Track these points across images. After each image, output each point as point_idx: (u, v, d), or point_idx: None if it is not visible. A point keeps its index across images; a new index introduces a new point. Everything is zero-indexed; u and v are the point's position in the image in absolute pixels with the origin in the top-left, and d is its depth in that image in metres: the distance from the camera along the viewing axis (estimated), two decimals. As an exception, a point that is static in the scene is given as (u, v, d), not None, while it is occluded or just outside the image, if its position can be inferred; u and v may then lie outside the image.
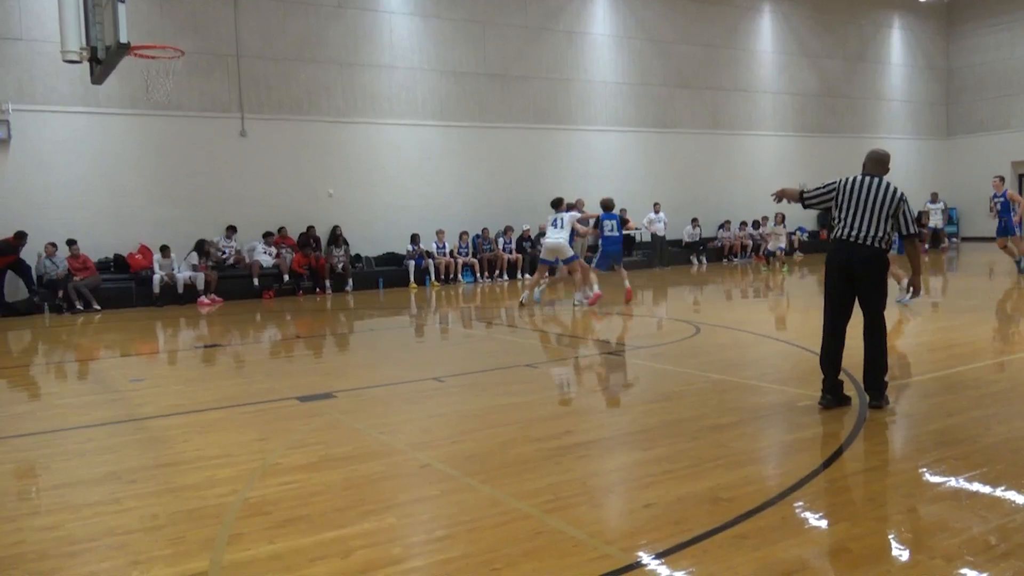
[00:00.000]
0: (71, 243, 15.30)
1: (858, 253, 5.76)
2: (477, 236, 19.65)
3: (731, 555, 3.45)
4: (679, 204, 22.65)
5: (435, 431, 5.87)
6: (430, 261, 18.73)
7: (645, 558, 3.44)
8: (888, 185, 5.85)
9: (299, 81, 18.04)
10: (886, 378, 5.90)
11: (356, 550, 3.63)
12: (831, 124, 26.95)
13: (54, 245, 15.12)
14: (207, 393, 7.46)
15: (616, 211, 13.77)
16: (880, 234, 5.75)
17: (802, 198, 6.28)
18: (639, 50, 22.79)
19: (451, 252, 19.16)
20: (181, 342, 11.74)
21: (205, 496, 4.44)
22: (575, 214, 13.63)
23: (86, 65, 10.36)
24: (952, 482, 4.26)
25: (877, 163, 6.04)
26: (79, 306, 14.99)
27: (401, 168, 19.21)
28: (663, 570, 3.33)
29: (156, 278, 15.73)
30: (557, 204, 13.83)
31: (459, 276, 19.11)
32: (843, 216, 5.86)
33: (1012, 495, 4.03)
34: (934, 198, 25.26)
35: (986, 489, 4.13)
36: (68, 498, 4.50)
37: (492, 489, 4.42)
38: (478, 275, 19.27)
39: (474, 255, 19.47)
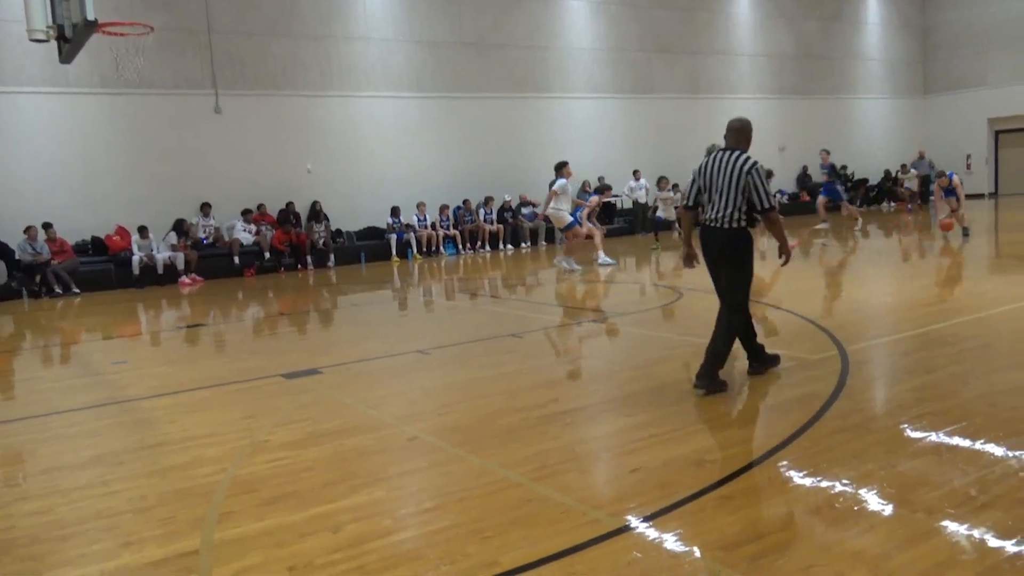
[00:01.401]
0: (47, 226, 15.11)
1: (712, 236, 5.51)
2: (458, 208, 19.59)
3: (717, 516, 3.50)
4: (659, 170, 22.60)
5: (422, 403, 5.89)
6: (411, 234, 18.66)
7: (633, 522, 3.49)
8: (737, 158, 5.44)
9: (273, 56, 17.79)
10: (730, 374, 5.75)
11: (346, 524, 3.65)
12: (809, 85, 26.95)
13: (35, 229, 14.93)
14: (192, 373, 7.43)
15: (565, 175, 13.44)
16: (732, 213, 5.41)
17: (684, 206, 6.00)
18: (615, 15, 22.62)
19: (432, 224, 19.09)
20: (163, 323, 11.67)
21: (193, 476, 4.44)
22: (561, 181, 13.36)
23: (54, 44, 10.17)
24: (932, 437, 4.33)
25: (732, 134, 5.64)
26: (58, 290, 14.86)
27: (379, 141, 19.06)
28: (651, 533, 3.38)
29: (135, 259, 15.59)
30: (556, 169, 13.60)
31: (441, 248, 19.07)
32: (704, 199, 5.60)
33: (991, 448, 4.11)
34: (903, 169, 25.54)
35: (966, 443, 4.21)
36: (56, 482, 4.49)
37: (480, 459, 4.45)
38: (460, 247, 19.23)
39: (455, 227, 19.41)
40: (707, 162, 5.57)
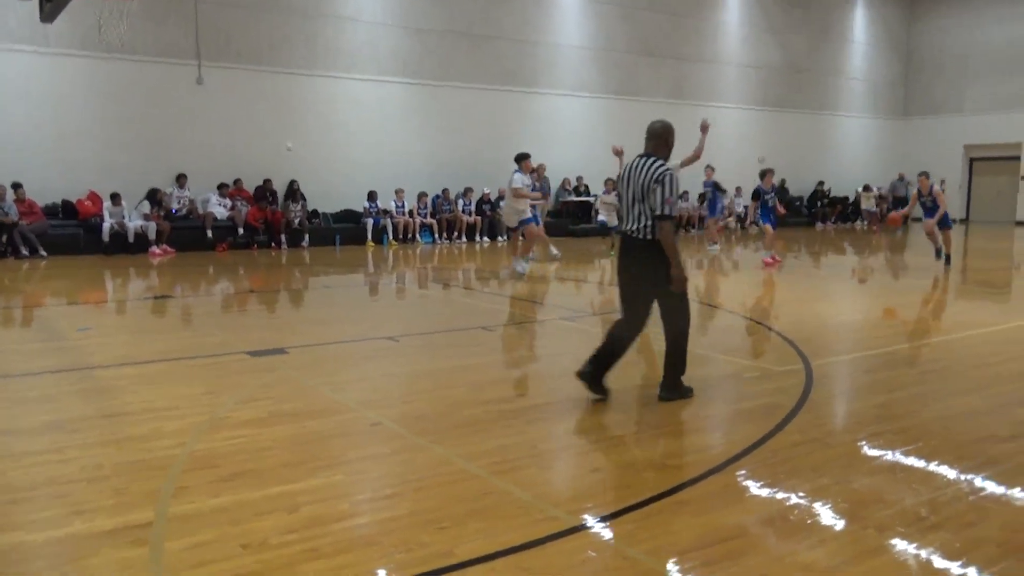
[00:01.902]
0: (16, 186, 14.84)
1: (627, 246, 5.26)
2: (437, 197, 19.52)
3: (673, 520, 3.53)
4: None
5: (387, 390, 5.87)
6: (388, 220, 18.57)
7: (590, 521, 3.51)
8: (649, 163, 5.18)
9: (260, 30, 17.59)
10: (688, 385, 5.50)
11: (303, 505, 3.63)
12: (792, 99, 27.19)
13: (3, 188, 14.65)
14: (156, 344, 7.35)
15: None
16: (646, 222, 5.14)
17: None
18: (605, 15, 22.65)
19: (410, 212, 19.01)
20: (131, 292, 11.52)
21: (151, 448, 4.39)
22: (517, 176, 12.19)
23: (36, 2, 9.97)
24: (889, 455, 4.40)
25: (651, 139, 5.35)
26: (24, 252, 14.60)
27: (362, 124, 18.93)
28: (606, 533, 3.40)
29: (106, 226, 15.36)
30: (516, 161, 12.40)
31: (417, 236, 19.01)
32: (622, 208, 5.33)
33: (944, 469, 4.18)
34: (867, 187, 25.85)
35: (920, 463, 4.28)
36: (9, 446, 4.42)
37: (441, 449, 4.45)
38: (436, 236, 19.18)
39: (433, 216, 19.35)
40: (626, 168, 5.33)
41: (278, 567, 3.06)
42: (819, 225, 26.15)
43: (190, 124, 16.91)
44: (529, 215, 12.49)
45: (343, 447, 4.52)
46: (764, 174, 15.16)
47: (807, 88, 27.64)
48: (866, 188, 26.42)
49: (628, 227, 5.25)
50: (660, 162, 5.17)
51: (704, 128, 8.93)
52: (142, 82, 16.35)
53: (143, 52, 16.23)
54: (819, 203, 26.94)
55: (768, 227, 14.88)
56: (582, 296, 11.38)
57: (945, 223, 14.00)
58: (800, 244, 19.93)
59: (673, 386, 5.41)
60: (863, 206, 25.71)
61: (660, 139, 5.33)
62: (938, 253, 14.06)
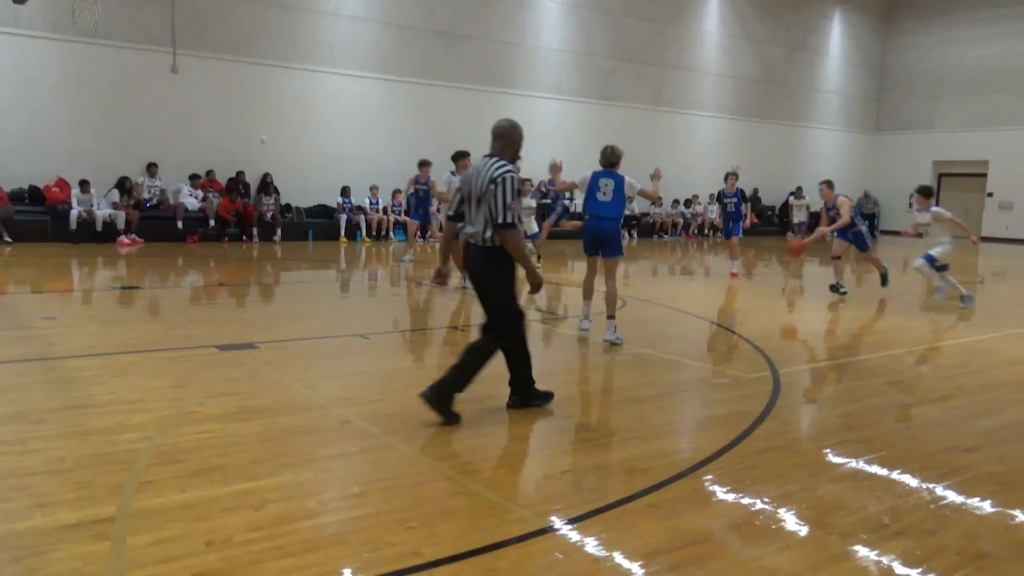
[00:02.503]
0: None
1: (469, 254, 5.01)
2: (412, 195, 19.43)
3: (641, 523, 3.55)
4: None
5: (358, 388, 5.84)
6: (361, 216, 18.48)
7: (558, 523, 3.51)
8: (490, 164, 4.87)
9: (237, 19, 17.42)
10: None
11: (270, 503, 3.60)
12: (768, 110, 27.49)
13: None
14: (123, 336, 7.24)
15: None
16: (486, 230, 4.85)
17: (446, 216, 5.37)
18: (586, 19, 22.73)
19: (384, 209, 18.93)
20: (98, 282, 11.35)
21: (116, 441, 4.33)
22: (450, 177, 11.57)
23: (8, -17, 9.80)
24: (853, 464, 4.46)
25: (496, 139, 5.05)
26: (-11, 237, 14.33)
27: (338, 119, 18.81)
28: (574, 535, 3.41)
29: (74, 213, 15.12)
30: (453, 159, 11.09)
31: (391, 234, 18.92)
32: (466, 211, 5.05)
33: (906, 478, 4.25)
34: (799, 192, 24.20)
35: (883, 472, 4.34)
36: (-31, 436, 4.33)
37: (411, 449, 4.44)
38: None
39: (407, 213, 19.26)
40: (471, 169, 5.03)
41: (243, 564, 3.03)
42: (790, 235, 26.43)
43: (163, 112, 16.69)
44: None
45: (312, 444, 4.49)
46: (727, 177, 14.29)
47: (783, 100, 27.96)
48: (797, 193, 23.46)
49: (471, 231, 4.95)
50: (502, 163, 4.87)
51: (656, 176, 8.72)
52: (116, 68, 16.11)
53: (118, 37, 15.99)
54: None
55: (734, 239, 14.12)
56: (554, 298, 11.39)
57: (861, 244, 11.93)
58: (771, 253, 20.13)
59: (526, 391, 5.19)
60: (794, 218, 22.53)
61: (506, 139, 5.03)
62: (883, 279, 12.21)
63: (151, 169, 16.46)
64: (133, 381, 5.62)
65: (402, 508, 3.60)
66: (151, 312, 8.92)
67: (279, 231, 17.48)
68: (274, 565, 3.04)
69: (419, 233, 16.97)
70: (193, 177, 16.88)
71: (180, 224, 16.23)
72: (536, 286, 5.01)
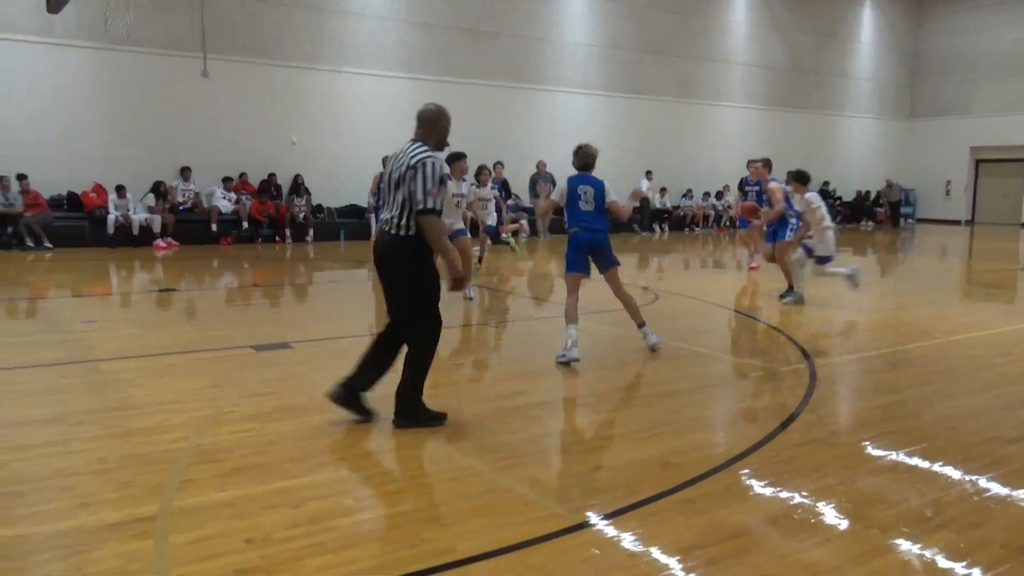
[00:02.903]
0: (21, 178, 14.84)
1: (381, 240, 4.72)
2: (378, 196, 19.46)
3: (677, 518, 3.53)
4: (643, 172, 22.73)
5: (390, 386, 5.86)
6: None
7: (593, 518, 3.51)
8: (411, 149, 4.66)
9: (265, 23, 17.58)
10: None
11: (307, 500, 3.64)
12: (797, 99, 27.13)
13: (8, 179, 14.66)
14: (160, 338, 7.35)
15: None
16: (399, 214, 4.56)
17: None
18: (612, 13, 22.60)
19: (414, 207, 18.97)
20: (135, 285, 11.54)
21: (156, 441, 4.40)
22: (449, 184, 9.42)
23: (42, -7, 9.98)
24: (893, 456, 4.40)
25: (421, 124, 4.84)
26: (29, 243, 14.62)
27: (366, 119, 18.91)
28: (610, 531, 3.40)
29: (111, 218, 15.38)
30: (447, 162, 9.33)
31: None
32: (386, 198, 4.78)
33: (948, 470, 4.18)
34: (648, 175, 22.31)
35: (924, 464, 4.27)
36: (14, 438, 4.43)
37: (445, 446, 4.45)
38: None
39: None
40: (393, 155, 4.81)
41: (283, 562, 3.07)
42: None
43: (195, 117, 16.90)
44: (460, 226, 9.51)
45: (347, 442, 4.52)
46: (749, 164, 12.79)
47: (813, 88, 27.58)
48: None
49: (384, 217, 4.69)
50: (423, 148, 4.65)
51: (635, 196, 7.76)
52: (148, 74, 16.34)
53: (149, 44, 16.22)
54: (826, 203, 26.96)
55: (745, 229, 13.28)
56: (585, 294, 11.35)
57: (781, 231, 10.24)
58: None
59: (409, 411, 4.73)
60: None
61: (430, 124, 4.80)
62: (789, 290, 9.90)
63: (184, 173, 16.69)
64: (171, 382, 5.70)
65: (437, 504, 3.62)
66: (187, 314, 9.04)
67: (311, 231, 17.63)
68: (313, 562, 3.07)
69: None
70: (226, 180, 17.08)
71: (214, 227, 16.43)
72: (458, 281, 4.77)
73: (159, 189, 16.03)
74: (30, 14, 14.76)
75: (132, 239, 15.45)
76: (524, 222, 18.38)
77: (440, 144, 4.86)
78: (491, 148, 20.29)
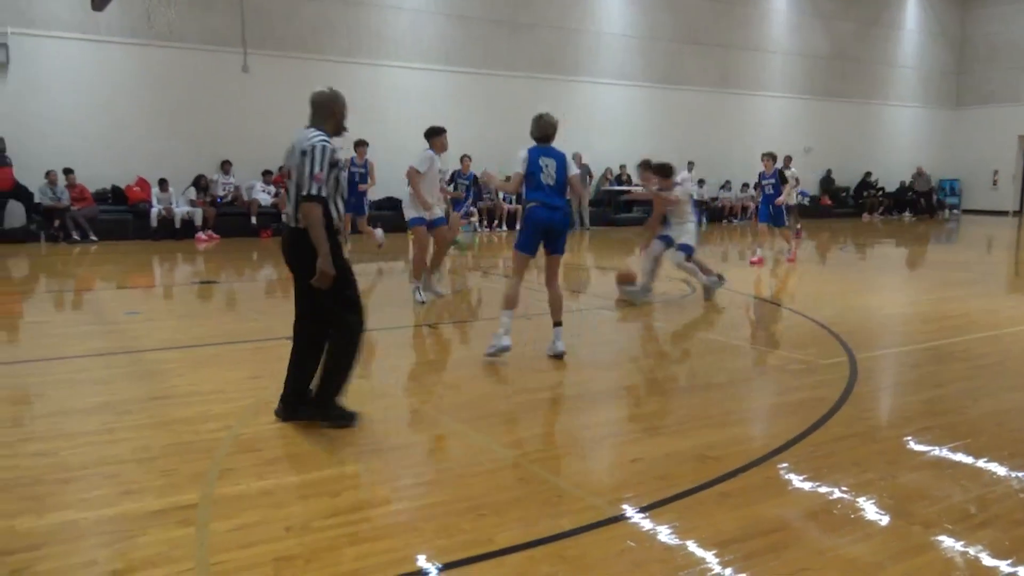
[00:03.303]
0: (68, 172, 15.18)
1: (284, 236, 4.61)
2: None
3: (714, 512, 3.51)
4: (681, 163, 22.49)
5: (426, 378, 5.91)
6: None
7: (629, 511, 3.50)
8: (304, 136, 4.48)
9: (303, 17, 17.73)
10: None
11: (345, 490, 3.68)
12: (840, 88, 26.64)
13: (56, 173, 15.01)
14: (202, 329, 7.48)
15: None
16: (298, 208, 4.37)
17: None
18: (649, 2, 22.39)
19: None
20: (178, 277, 11.74)
21: (198, 430, 4.48)
22: (428, 154, 8.71)
23: (87, -9, 10.16)
24: (936, 451, 4.31)
25: (313, 109, 4.68)
26: (76, 236, 14.95)
27: (404, 112, 18.97)
28: (647, 524, 3.39)
29: (154, 211, 15.66)
30: (427, 136, 8.90)
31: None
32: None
33: (994, 466, 4.09)
34: (690, 166, 20.64)
35: (968, 459, 4.19)
36: (61, 426, 4.54)
37: (481, 437, 4.47)
38: (477, 225, 19.20)
39: (473, 204, 19.36)
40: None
41: (321, 550, 3.11)
42: (865, 216, 25.68)
43: (235, 111, 17.11)
44: (439, 213, 9.04)
45: (384, 433, 4.56)
46: (763, 157, 13.11)
47: (856, 77, 27.06)
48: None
49: (287, 210, 4.54)
50: (317, 133, 4.46)
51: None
52: (189, 69, 16.58)
53: (190, 40, 16.45)
54: (865, 193, 26.47)
55: (765, 225, 13.18)
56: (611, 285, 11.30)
57: (778, 219, 12.45)
58: (846, 236, 19.59)
59: (325, 405, 4.54)
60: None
61: (325, 110, 4.60)
62: (711, 287, 9.26)
63: (225, 167, 16.93)
64: (212, 372, 5.80)
65: (473, 496, 3.63)
66: (228, 305, 9.18)
67: (350, 224, 17.75)
68: (350, 551, 3.10)
69: (353, 226, 13.75)
70: (265, 173, 17.28)
71: (254, 219, 16.64)
72: (324, 276, 4.29)
73: (200, 183, 16.29)
74: (75, 12, 15.05)
75: (174, 232, 15.72)
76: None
77: (338, 129, 4.65)
78: (527, 140, 20.25)
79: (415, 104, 19.09)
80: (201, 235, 15.87)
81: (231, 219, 16.55)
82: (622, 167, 21.69)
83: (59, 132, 15.48)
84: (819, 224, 22.26)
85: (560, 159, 6.18)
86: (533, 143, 6.34)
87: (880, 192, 26.64)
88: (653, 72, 22.66)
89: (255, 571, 2.94)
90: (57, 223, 14.92)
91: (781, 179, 12.74)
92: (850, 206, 26.30)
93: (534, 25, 20.61)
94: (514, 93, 20.27)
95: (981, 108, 29.03)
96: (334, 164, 4.40)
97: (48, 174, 14.90)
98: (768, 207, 12.92)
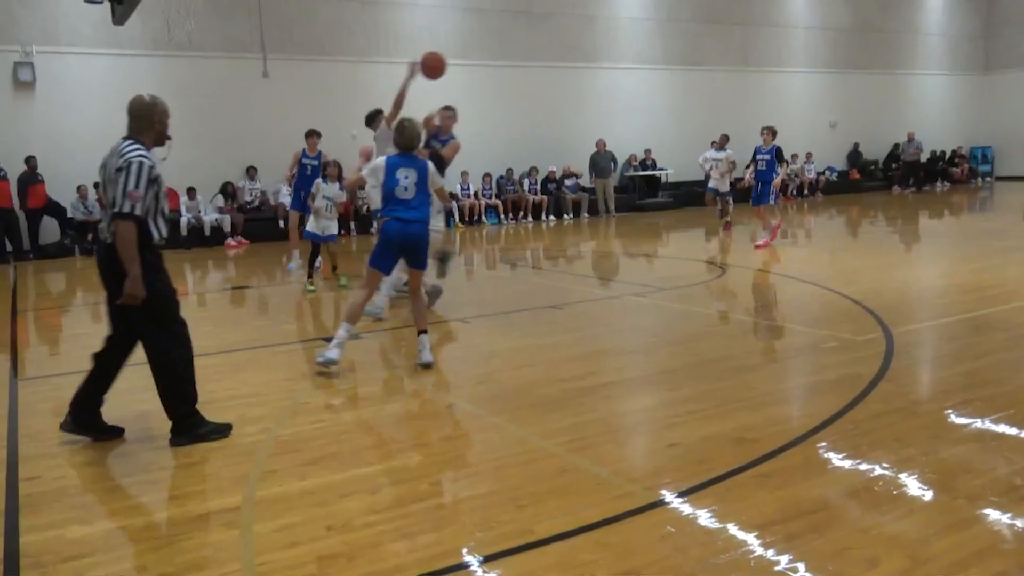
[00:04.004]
0: (98, 185, 15.39)
1: (97, 251, 4.42)
2: (501, 177, 19.53)
3: (754, 494, 3.49)
4: (705, 144, 22.29)
5: (460, 371, 5.93)
6: (453, 203, 18.65)
7: (668, 496, 3.49)
8: (120, 149, 4.26)
9: (320, 20, 17.81)
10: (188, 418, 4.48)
11: (384, 487, 3.71)
12: (864, 60, 26.19)
13: (86, 188, 15.26)
14: (236, 334, 7.57)
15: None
16: (110, 225, 4.17)
17: None
18: (667, -16, 22.18)
19: (475, 193, 19.08)
20: (210, 284, 11.89)
21: (238, 434, 4.54)
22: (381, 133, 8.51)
23: (107, 6, 10.31)
24: (978, 424, 4.25)
25: (131, 119, 4.43)
26: (109, 248, 15.20)
27: (424, 109, 18.77)
28: (686, 508, 3.38)
29: (184, 220, 15.87)
30: (368, 120, 9.61)
31: (483, 218, 19.07)
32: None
33: (1039, 437, 4.02)
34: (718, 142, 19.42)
35: (1012, 431, 4.12)
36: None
37: (517, 428, 4.48)
38: (502, 217, 19.21)
39: (498, 196, 19.38)
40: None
41: (364, 547, 3.14)
42: (895, 189, 25.27)
43: (258, 117, 17.25)
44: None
45: (420, 429, 4.59)
46: (763, 131, 12.58)
47: (880, 47, 26.58)
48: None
49: (102, 225, 4.35)
50: (135, 146, 4.25)
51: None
52: (211, 78, 16.75)
53: (210, 48, 16.61)
54: (894, 165, 26.01)
55: (761, 207, 12.41)
56: (651, 271, 11.26)
57: (763, 197, 11.97)
58: (876, 210, 19.31)
59: (183, 429, 4.39)
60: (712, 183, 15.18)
61: (143, 119, 4.38)
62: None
63: (250, 172, 17.09)
64: (249, 376, 5.87)
65: (512, 487, 3.65)
66: (260, 310, 9.28)
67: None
68: (392, 547, 3.13)
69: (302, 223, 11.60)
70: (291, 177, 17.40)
71: (281, 223, 16.75)
72: (131, 297, 4.12)
73: (227, 189, 16.47)
74: (97, 27, 15.26)
75: (204, 239, 15.91)
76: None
77: (160, 139, 4.47)
78: (549, 130, 20.23)
79: (435, 100, 19.01)
80: (231, 241, 16.05)
81: (259, 224, 16.72)
82: (647, 151, 21.54)
83: (87, 146, 15.66)
84: (848, 199, 21.97)
85: (422, 169, 5.85)
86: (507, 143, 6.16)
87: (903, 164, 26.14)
88: (673, 54, 22.46)
89: (299, 570, 2.98)
90: (90, 236, 15.17)
91: (778, 157, 12.22)
92: (879, 179, 25.91)
93: (550, 14, 20.52)
94: (534, 83, 20.23)
95: (1012, 72, 28.38)
96: (153, 180, 4.22)
97: (79, 189, 15.15)
98: (758, 186, 12.35)
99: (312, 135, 12.18)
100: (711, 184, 14.83)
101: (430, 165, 5.90)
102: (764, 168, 12.28)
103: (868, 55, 26.29)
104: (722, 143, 15.05)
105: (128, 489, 3.83)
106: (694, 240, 15.00)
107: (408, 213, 5.75)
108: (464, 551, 3.09)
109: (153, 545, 3.26)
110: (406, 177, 5.75)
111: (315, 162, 11.87)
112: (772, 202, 12.44)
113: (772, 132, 12.43)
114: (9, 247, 14.59)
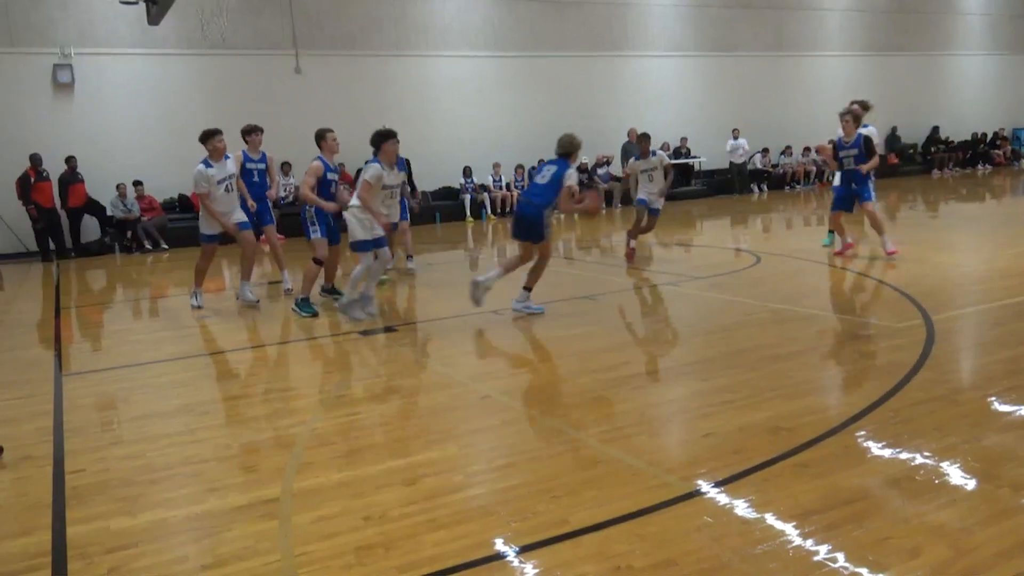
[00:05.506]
0: (137, 184, 15.66)
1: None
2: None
3: (792, 483, 3.45)
4: (740, 131, 22.05)
5: (494, 363, 5.94)
6: (485, 195, 18.67)
7: (704, 486, 3.47)
8: None
9: (351, 15, 17.90)
10: None
11: (420, 478, 3.73)
12: (902, 41, 25.67)
13: (126, 186, 15.52)
14: (272, 328, 7.66)
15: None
16: None
17: None
18: (698, -30, 21.93)
19: (507, 185, 19.07)
20: (246, 279, 12.00)
21: (275, 427, 4.60)
22: (375, 168, 8.02)
23: (143, 7, 10.45)
24: (1021, 411, 4.16)
25: None
26: (148, 245, 15.45)
27: (456, 101, 19.04)
28: (723, 498, 3.36)
29: (219, 217, 16.04)
30: (375, 143, 8.32)
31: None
32: None
33: (1086, 424, 3.93)
34: (736, 134, 21.13)
35: (1058, 418, 4.03)
36: (146, 429, 4.71)
37: (552, 419, 4.48)
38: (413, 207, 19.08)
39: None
40: None
41: (400, 538, 3.16)
42: (935, 172, 24.78)
43: (291, 113, 17.39)
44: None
45: (455, 420, 4.61)
46: (842, 118, 10.08)
47: (918, 28, 26.03)
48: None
49: None
50: None
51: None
52: (245, 75, 16.91)
53: (243, 46, 16.77)
54: (933, 149, 25.49)
55: (868, 204, 9.60)
56: (686, 261, 11.17)
57: (863, 192, 9.35)
58: (915, 194, 18.96)
59: None
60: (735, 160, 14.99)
61: None
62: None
63: (284, 168, 17.24)
64: (285, 370, 5.94)
65: (547, 478, 3.65)
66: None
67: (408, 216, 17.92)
68: (429, 537, 3.15)
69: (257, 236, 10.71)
70: (324, 172, 17.53)
71: (313, 220, 16.91)
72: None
73: (262, 185, 16.60)
74: (133, 28, 15.48)
75: (240, 235, 16.08)
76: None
77: None
78: (581, 120, 20.11)
79: (465, 91, 19.13)
80: (266, 236, 16.19)
81: (293, 219, 16.81)
82: (683, 139, 21.34)
83: (125, 146, 15.98)
84: (887, 183, 21.56)
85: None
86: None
87: (945, 145, 25.58)
88: (704, 40, 22.21)
89: (337, 560, 3.02)
90: (129, 234, 15.44)
91: (867, 150, 9.48)
92: (919, 163, 25.41)
93: (581, 2, 20.39)
94: (564, 73, 20.14)
95: (1055, 51, 27.64)
96: None
97: (118, 187, 15.41)
98: (849, 186, 9.60)
99: (253, 131, 10.27)
100: (641, 195, 10.71)
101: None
102: (852, 168, 9.55)
103: (906, 36, 25.76)
104: (647, 146, 10.86)
105: (169, 482, 3.90)
106: (728, 228, 14.84)
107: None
108: (499, 542, 3.10)
109: (194, 536, 3.32)
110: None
111: (260, 165, 10.44)
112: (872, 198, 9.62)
113: (855, 117, 9.79)
114: (52, 246, 14.89)
